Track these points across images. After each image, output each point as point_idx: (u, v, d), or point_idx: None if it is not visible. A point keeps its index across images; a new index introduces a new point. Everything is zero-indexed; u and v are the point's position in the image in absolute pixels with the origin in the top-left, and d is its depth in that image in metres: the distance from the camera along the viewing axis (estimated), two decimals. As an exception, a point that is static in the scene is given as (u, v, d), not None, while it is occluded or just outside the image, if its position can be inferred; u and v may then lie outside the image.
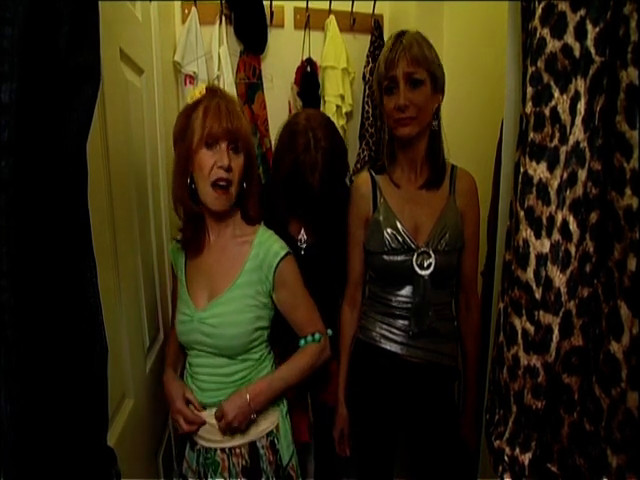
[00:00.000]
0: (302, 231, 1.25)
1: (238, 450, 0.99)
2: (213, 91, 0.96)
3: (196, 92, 0.96)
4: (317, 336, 1.06)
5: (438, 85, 1.08)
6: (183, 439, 1.07)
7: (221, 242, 1.02)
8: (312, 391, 1.36)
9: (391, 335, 1.17)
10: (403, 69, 1.06)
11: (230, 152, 0.92)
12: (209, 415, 0.99)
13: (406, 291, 1.15)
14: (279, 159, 1.17)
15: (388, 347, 1.16)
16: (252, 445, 1.00)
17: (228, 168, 0.91)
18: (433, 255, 1.10)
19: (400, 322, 1.16)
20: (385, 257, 1.15)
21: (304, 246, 1.25)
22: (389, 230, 1.14)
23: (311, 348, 1.05)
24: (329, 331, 1.13)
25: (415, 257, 1.12)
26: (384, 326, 1.18)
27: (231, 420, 0.95)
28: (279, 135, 1.19)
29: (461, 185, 1.16)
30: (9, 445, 0.44)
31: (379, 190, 1.18)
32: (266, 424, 1.02)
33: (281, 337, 1.10)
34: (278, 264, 0.97)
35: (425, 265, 1.11)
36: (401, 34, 1.09)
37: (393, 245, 1.13)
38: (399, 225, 1.13)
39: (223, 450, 1.00)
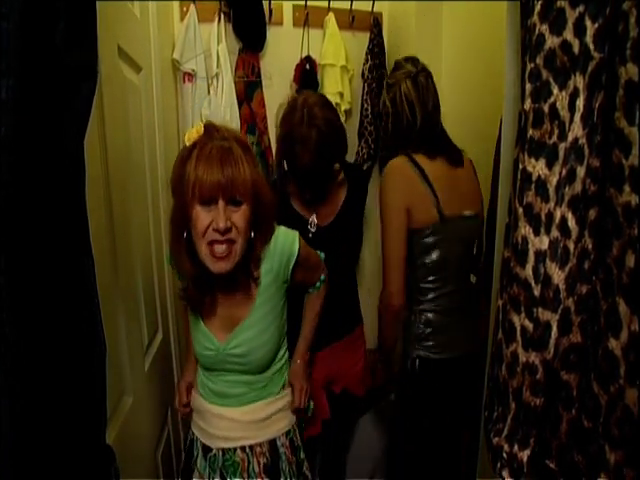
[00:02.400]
0: (313, 216, 1.29)
1: (259, 449, 0.98)
2: (209, 132, 0.83)
3: (193, 132, 0.84)
4: (322, 277, 1.09)
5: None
6: (190, 455, 1.04)
7: (230, 274, 0.89)
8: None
9: None
10: None
11: (229, 208, 0.80)
12: (235, 412, 0.98)
13: None
14: (278, 135, 1.21)
15: None
16: (272, 443, 0.99)
17: (225, 231, 0.79)
18: None
19: None
20: None
21: (314, 230, 1.30)
22: None
23: (317, 295, 1.10)
24: (321, 254, 1.12)
25: None
26: None
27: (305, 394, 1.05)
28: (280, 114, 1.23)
29: None
30: (8, 443, 0.44)
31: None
32: (286, 422, 1.03)
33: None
34: (295, 263, 0.94)
35: None
36: None
37: None
38: None
39: (243, 449, 0.97)
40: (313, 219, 1.29)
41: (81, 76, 0.51)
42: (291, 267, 0.94)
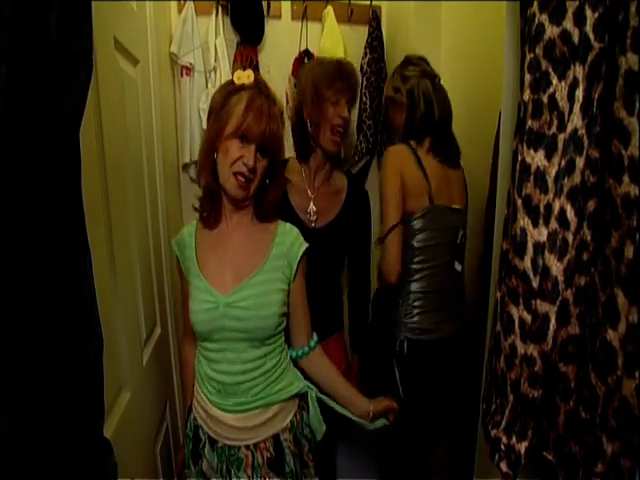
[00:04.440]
0: (311, 204, 1.28)
1: (263, 444, 0.99)
2: (261, 87, 0.96)
3: (244, 76, 0.95)
4: (315, 337, 1.09)
5: (393, 101, 1.38)
6: (197, 439, 1.04)
7: (242, 229, 1.03)
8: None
9: None
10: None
11: (258, 154, 0.94)
12: (233, 419, 0.98)
13: None
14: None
15: None
16: (276, 438, 1.00)
17: (252, 170, 0.93)
18: None
19: None
20: None
21: (314, 218, 1.28)
22: None
23: (318, 354, 1.10)
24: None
25: None
26: None
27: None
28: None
29: None
30: (5, 437, 0.44)
31: None
32: (287, 419, 1.03)
33: None
34: (303, 254, 1.02)
35: None
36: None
37: None
38: None
39: (247, 447, 0.99)
40: (312, 208, 1.28)
41: (76, 65, 0.51)
42: (299, 256, 1.01)
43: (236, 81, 0.95)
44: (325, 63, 1.26)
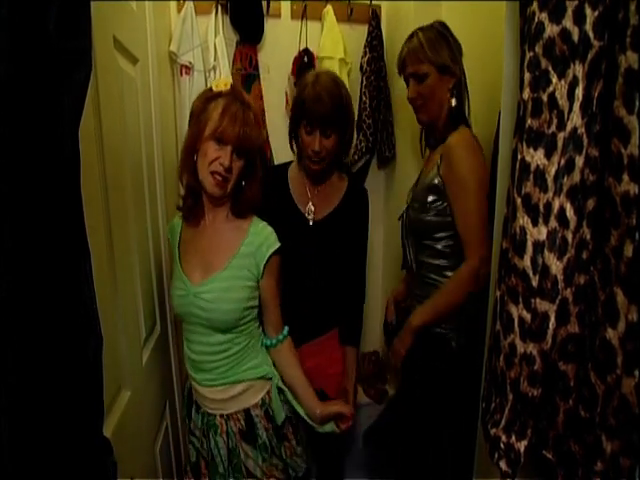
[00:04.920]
0: (310, 204, 1.30)
1: (235, 416, 1.10)
2: (237, 94, 1.03)
3: (221, 84, 1.03)
4: (285, 332, 1.15)
5: (446, 71, 1.21)
6: (190, 402, 1.19)
7: (216, 224, 1.10)
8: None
9: None
10: (408, 70, 1.25)
11: (234, 155, 1.00)
12: (204, 390, 1.10)
13: None
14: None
15: None
16: (247, 412, 1.10)
17: (227, 169, 0.99)
18: None
19: None
20: None
21: (311, 217, 1.30)
22: None
23: (287, 347, 1.15)
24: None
25: None
26: None
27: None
28: None
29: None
30: (5, 437, 0.44)
31: None
32: (258, 396, 1.11)
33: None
34: (272, 255, 1.07)
35: None
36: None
37: None
38: None
39: (222, 416, 1.11)
40: (310, 207, 1.30)
41: (75, 63, 0.50)
42: (267, 257, 1.06)
43: (214, 88, 1.03)
44: (310, 85, 1.19)
